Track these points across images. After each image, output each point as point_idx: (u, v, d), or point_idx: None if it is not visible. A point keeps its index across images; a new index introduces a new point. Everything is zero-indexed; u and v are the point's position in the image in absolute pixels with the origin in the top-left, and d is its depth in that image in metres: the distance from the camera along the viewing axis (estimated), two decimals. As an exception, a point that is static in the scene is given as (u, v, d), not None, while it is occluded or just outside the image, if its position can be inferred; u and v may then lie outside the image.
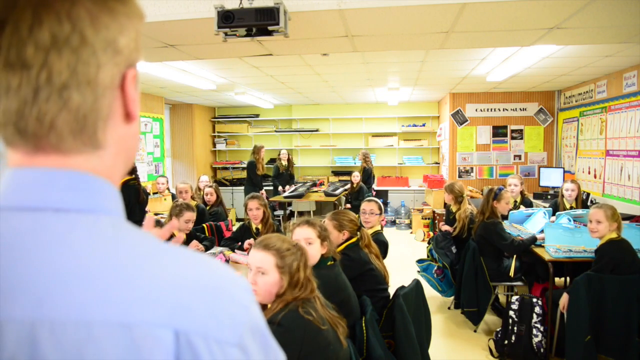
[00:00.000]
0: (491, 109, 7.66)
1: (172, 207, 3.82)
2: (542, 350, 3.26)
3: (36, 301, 0.41)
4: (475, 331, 3.89)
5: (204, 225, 4.46)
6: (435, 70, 5.50)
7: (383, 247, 3.23)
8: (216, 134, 9.87)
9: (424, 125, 9.22)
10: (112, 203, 0.50)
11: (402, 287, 2.50)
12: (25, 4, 0.43)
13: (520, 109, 7.58)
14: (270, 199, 7.15)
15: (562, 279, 4.06)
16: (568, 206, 4.56)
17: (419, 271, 4.39)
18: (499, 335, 3.42)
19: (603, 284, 2.93)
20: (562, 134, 7.21)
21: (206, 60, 4.61)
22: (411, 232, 7.98)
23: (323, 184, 8.74)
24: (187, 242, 3.74)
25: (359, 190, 7.25)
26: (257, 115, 9.73)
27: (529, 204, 5.00)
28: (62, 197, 0.47)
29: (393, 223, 8.46)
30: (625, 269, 2.92)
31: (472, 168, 7.75)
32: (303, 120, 9.68)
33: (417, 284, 2.60)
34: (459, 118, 7.72)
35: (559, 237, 3.67)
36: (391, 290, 2.60)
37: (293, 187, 7.77)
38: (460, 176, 7.69)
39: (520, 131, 7.61)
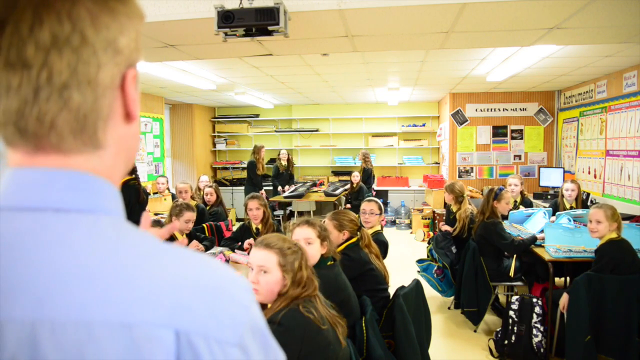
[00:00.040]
0: (491, 109, 7.66)
1: (172, 207, 3.82)
2: (542, 350, 3.26)
3: (36, 301, 0.41)
4: (475, 331, 3.89)
5: (204, 225, 4.46)
6: (435, 70, 5.50)
7: (383, 247, 3.23)
8: (216, 134, 9.87)
9: (424, 125, 9.22)
10: (112, 203, 0.50)
11: (402, 287, 2.50)
12: (25, 3, 0.43)
13: (520, 109, 7.58)
14: (270, 199, 7.15)
15: (562, 279, 4.06)
16: (568, 206, 4.56)
17: (419, 271, 4.39)
18: (499, 335, 3.42)
19: (603, 284, 2.93)
20: (562, 134, 7.21)
21: (206, 60, 4.61)
22: (411, 232, 7.98)
23: (323, 184, 8.75)
24: (187, 242, 3.74)
25: (359, 190, 7.25)
26: (257, 115, 9.73)
27: (529, 204, 5.00)
28: (62, 197, 0.47)
29: (393, 223, 8.46)
30: (625, 269, 2.92)
31: (472, 168, 7.75)
32: (303, 120, 9.68)
33: (417, 284, 2.60)
34: (459, 118, 7.72)
35: (559, 237, 3.67)
36: (391, 290, 2.60)
37: (293, 187, 7.77)
38: (460, 176, 7.69)
39: (520, 131, 7.61)
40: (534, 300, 3.37)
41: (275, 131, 9.71)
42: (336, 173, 9.36)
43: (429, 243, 4.74)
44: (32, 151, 0.47)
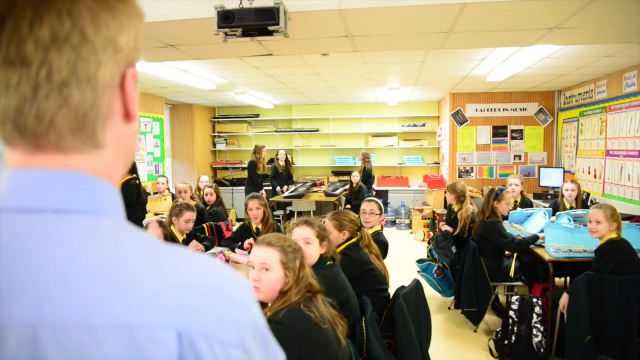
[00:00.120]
0: (491, 109, 7.66)
1: (172, 207, 3.82)
2: (542, 350, 3.26)
3: (37, 303, 0.41)
4: (475, 331, 3.89)
5: (204, 225, 4.46)
6: (435, 70, 5.50)
7: (383, 247, 3.23)
8: (216, 134, 9.87)
9: (424, 125, 9.22)
10: (112, 203, 0.50)
11: (402, 287, 2.50)
12: (25, 1, 0.43)
13: (520, 109, 7.58)
14: (270, 199, 7.16)
15: (562, 279, 4.06)
16: (568, 206, 4.56)
17: (419, 271, 4.39)
18: (499, 335, 3.42)
19: (603, 284, 2.93)
20: (562, 134, 7.21)
21: (206, 60, 4.61)
22: (411, 232, 7.98)
23: (323, 184, 8.75)
24: (187, 242, 3.74)
25: (358, 190, 7.25)
26: (257, 115, 9.73)
27: (528, 204, 5.00)
28: (62, 198, 0.47)
29: (393, 223, 8.46)
30: (625, 269, 2.92)
31: (472, 168, 7.75)
32: (303, 120, 9.68)
33: (417, 284, 2.60)
34: (459, 118, 7.72)
35: (559, 237, 3.67)
36: (391, 290, 2.60)
37: (293, 187, 7.77)
38: (460, 176, 7.69)
39: (520, 131, 7.61)
40: (534, 300, 3.37)
41: (275, 131, 9.71)
42: (336, 173, 9.36)
43: (429, 243, 4.74)
44: (32, 150, 0.47)
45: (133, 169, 4.85)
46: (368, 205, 3.48)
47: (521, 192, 5.01)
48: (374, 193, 8.09)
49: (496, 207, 3.90)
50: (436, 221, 7.30)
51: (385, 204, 8.55)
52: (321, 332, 1.63)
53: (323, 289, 1.78)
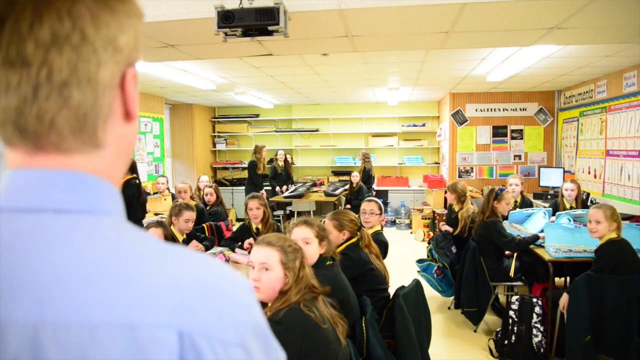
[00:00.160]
0: (491, 109, 7.66)
1: (172, 208, 3.83)
2: (542, 350, 3.26)
3: (38, 303, 0.41)
4: (475, 331, 3.89)
5: (204, 225, 4.46)
6: (435, 70, 5.50)
7: (383, 247, 3.23)
8: (216, 134, 9.87)
9: (424, 125, 9.22)
10: (113, 204, 0.50)
11: (402, 287, 2.50)
12: (25, 1, 0.43)
13: (520, 109, 7.58)
14: (270, 199, 7.16)
15: (562, 279, 4.06)
16: (568, 206, 4.56)
17: (419, 271, 4.39)
18: (499, 335, 3.42)
19: (603, 284, 2.93)
20: (562, 134, 7.21)
21: (206, 60, 4.61)
22: (411, 232, 7.98)
23: (323, 184, 8.75)
24: (187, 242, 3.74)
25: (358, 190, 7.25)
26: (257, 115, 9.73)
27: (528, 204, 5.00)
28: (63, 198, 0.47)
29: (393, 223, 8.46)
30: (625, 269, 2.92)
31: (472, 168, 7.75)
32: (303, 120, 9.68)
33: (417, 284, 2.60)
34: (459, 118, 7.72)
35: (559, 237, 3.67)
36: (391, 290, 2.60)
37: (293, 187, 7.77)
38: (460, 176, 7.69)
39: (520, 131, 7.61)
40: (534, 300, 3.37)
41: (275, 131, 9.71)
42: (336, 173, 9.36)
43: (429, 243, 4.74)
44: (32, 150, 0.47)
45: (133, 169, 4.85)
46: (368, 205, 3.48)
47: (521, 192, 5.01)
48: (374, 193, 8.08)
49: (496, 207, 3.90)
50: (436, 221, 7.30)
51: (385, 204, 8.55)
52: (321, 332, 1.63)
53: (328, 288, 1.78)
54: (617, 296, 2.90)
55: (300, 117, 9.61)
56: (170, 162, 8.92)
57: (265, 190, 7.44)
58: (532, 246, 3.74)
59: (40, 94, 0.44)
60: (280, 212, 7.92)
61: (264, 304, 1.74)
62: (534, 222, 4.27)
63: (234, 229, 4.29)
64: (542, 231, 3.88)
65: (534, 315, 3.32)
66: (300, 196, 7.22)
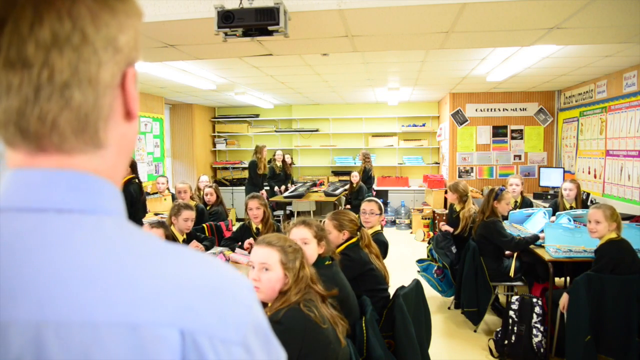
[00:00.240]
0: (491, 109, 7.66)
1: (171, 208, 3.84)
2: (542, 350, 3.26)
3: (40, 303, 0.41)
4: (475, 331, 3.89)
5: (204, 225, 4.46)
6: (435, 70, 5.50)
7: (383, 247, 3.23)
8: (216, 134, 9.87)
9: (424, 125, 9.22)
10: (114, 203, 0.50)
11: (402, 287, 2.50)
12: (25, 2, 0.43)
13: (520, 109, 7.58)
14: (269, 199, 7.16)
15: (562, 279, 4.06)
16: (568, 206, 4.56)
17: (419, 271, 4.39)
18: (499, 335, 3.42)
19: (603, 284, 2.93)
20: (562, 134, 7.21)
21: (206, 60, 4.61)
22: (411, 232, 7.98)
23: (323, 184, 8.75)
24: (187, 242, 3.75)
25: (358, 190, 7.25)
26: (257, 115, 9.73)
27: (529, 204, 5.00)
28: (65, 197, 0.47)
29: (393, 223, 8.46)
30: (625, 269, 2.92)
31: (472, 168, 7.75)
32: (303, 120, 9.68)
33: (417, 284, 2.60)
34: (459, 118, 7.72)
35: (559, 237, 3.67)
36: (391, 290, 2.60)
37: (293, 187, 7.77)
38: (460, 176, 7.69)
39: (520, 131, 7.61)
40: (534, 300, 3.37)
41: (275, 131, 9.71)
42: (336, 173, 9.36)
43: (429, 243, 4.74)
44: (34, 151, 0.47)
45: (133, 169, 4.85)
46: (368, 205, 3.48)
47: (521, 192, 5.02)
48: (374, 193, 8.08)
49: (496, 207, 3.90)
50: (436, 221, 7.30)
51: (385, 204, 8.55)
52: (321, 332, 1.63)
53: (335, 291, 1.78)
54: (617, 296, 2.90)
55: (300, 117, 9.61)
56: (170, 162, 8.92)
57: (266, 190, 7.44)
58: (532, 246, 3.74)
59: (42, 95, 0.44)
60: (280, 212, 7.92)
61: (264, 304, 1.74)
62: (534, 222, 4.27)
63: (234, 229, 4.29)
64: (542, 231, 3.88)
65: (534, 315, 3.32)
66: (300, 196, 7.22)
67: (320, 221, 2.45)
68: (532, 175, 7.54)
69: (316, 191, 7.94)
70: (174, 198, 5.99)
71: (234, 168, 9.77)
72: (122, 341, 0.41)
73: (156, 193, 6.36)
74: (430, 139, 9.22)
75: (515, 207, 4.78)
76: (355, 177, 7.30)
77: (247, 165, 7.98)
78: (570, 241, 3.62)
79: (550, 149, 7.54)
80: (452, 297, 4.38)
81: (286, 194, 7.47)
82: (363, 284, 2.57)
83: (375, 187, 8.46)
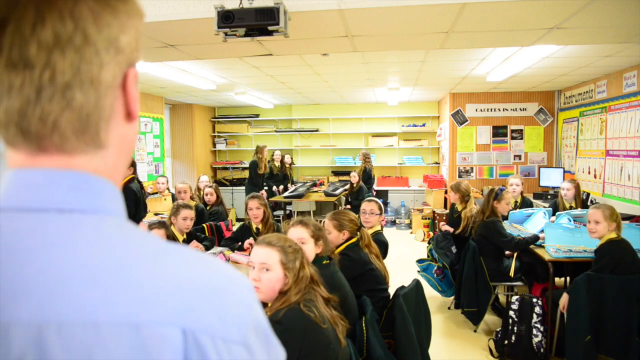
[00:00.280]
0: (491, 109, 7.66)
1: (171, 209, 3.86)
2: (542, 350, 3.26)
3: (42, 302, 0.41)
4: (475, 331, 3.89)
5: (204, 225, 4.46)
6: (435, 70, 5.50)
7: (383, 247, 3.23)
8: (216, 134, 9.87)
9: (424, 125, 9.22)
10: (114, 203, 0.50)
11: (402, 287, 2.50)
12: (27, 2, 0.43)
13: (520, 109, 7.58)
14: (269, 199, 7.16)
15: (562, 279, 4.06)
16: (567, 206, 4.57)
17: (419, 271, 4.39)
18: (499, 335, 3.42)
19: (603, 284, 2.93)
20: (562, 134, 7.21)
21: (206, 60, 4.61)
22: (411, 232, 7.98)
23: (323, 184, 8.75)
24: (187, 242, 3.75)
25: (358, 190, 7.25)
26: (257, 115, 9.73)
27: (529, 204, 5.00)
28: (66, 197, 0.47)
29: (393, 223, 8.46)
30: (625, 269, 2.92)
31: (472, 168, 7.75)
32: (303, 120, 9.68)
33: (417, 284, 2.60)
34: (459, 118, 7.72)
35: (559, 237, 3.67)
36: (391, 290, 2.60)
37: (293, 187, 7.77)
38: (460, 176, 7.69)
39: (520, 131, 7.62)
40: (534, 300, 3.37)
41: (275, 131, 9.71)
42: (336, 173, 9.36)
43: (429, 243, 4.74)
44: (35, 151, 0.47)
45: (133, 168, 4.85)
46: (368, 205, 3.48)
47: (521, 192, 5.02)
48: (374, 193, 8.08)
49: (496, 207, 3.90)
50: (436, 221, 7.30)
51: (385, 204, 8.55)
52: (321, 332, 1.63)
53: (336, 297, 1.79)
54: (617, 296, 2.90)
55: (300, 117, 9.61)
56: (170, 162, 8.92)
57: (265, 190, 7.44)
58: (532, 246, 3.75)
59: (43, 96, 0.44)
60: (280, 212, 7.92)
61: (264, 304, 1.74)
62: (534, 222, 4.28)
63: (234, 229, 4.29)
64: (542, 231, 3.88)
65: (534, 315, 3.33)
66: (300, 196, 7.22)
67: (320, 221, 2.45)
68: (532, 175, 7.54)
69: (316, 191, 7.94)
70: (174, 198, 5.99)
71: (234, 168, 9.77)
72: (124, 341, 0.41)
73: (156, 193, 6.36)
74: (430, 139, 9.22)
75: (515, 207, 4.78)
76: (354, 177, 7.29)
77: (247, 165, 7.98)
78: (570, 241, 3.62)
79: (550, 149, 7.54)
80: (452, 297, 4.38)
81: (286, 194, 7.47)
82: (363, 284, 2.57)
83: (375, 187, 8.47)
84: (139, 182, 4.83)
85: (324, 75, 5.81)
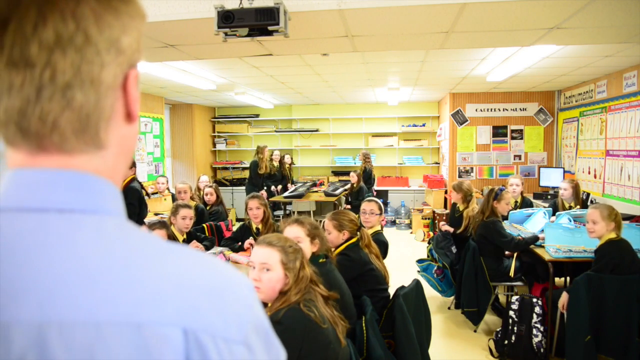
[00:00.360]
0: (491, 109, 7.66)
1: (171, 209, 3.86)
2: (542, 350, 3.26)
3: (43, 303, 0.41)
4: (475, 331, 3.89)
5: (204, 225, 4.46)
6: (435, 70, 5.50)
7: (383, 247, 3.23)
8: (216, 134, 9.87)
9: (424, 125, 9.22)
10: (115, 204, 0.50)
11: (402, 287, 2.50)
12: (29, 2, 0.43)
13: (520, 109, 7.58)
14: (269, 199, 7.16)
15: (562, 279, 4.06)
16: (567, 206, 4.57)
17: (419, 271, 4.39)
18: (499, 335, 3.42)
19: (603, 284, 2.93)
20: (562, 134, 7.21)
21: (206, 60, 4.61)
22: (411, 232, 7.98)
23: (323, 184, 8.75)
24: (187, 242, 3.75)
25: (358, 190, 7.24)
26: (257, 115, 9.73)
27: (529, 204, 5.00)
28: (66, 197, 0.47)
29: (393, 223, 8.46)
30: (625, 269, 2.92)
31: (472, 168, 7.75)
32: (303, 120, 9.68)
33: (417, 284, 2.60)
34: (459, 118, 7.72)
35: (559, 237, 3.67)
36: (391, 290, 2.61)
37: (293, 187, 7.77)
38: (460, 176, 7.69)
39: (520, 131, 7.62)
40: (534, 300, 3.37)
41: (275, 131, 9.71)
42: (336, 173, 9.36)
43: (429, 243, 4.74)
44: (34, 151, 0.47)
45: (133, 167, 4.85)
46: (368, 205, 3.48)
47: (521, 193, 5.02)
48: (375, 193, 8.08)
49: (496, 207, 3.91)
50: (436, 221, 7.30)
51: (385, 204, 8.55)
52: (321, 332, 1.63)
53: (336, 295, 1.79)
54: (617, 296, 2.91)
55: (300, 117, 9.61)
56: (170, 162, 8.92)
57: (265, 190, 7.44)
58: (532, 246, 3.74)
59: (44, 95, 0.44)
60: (280, 212, 7.92)
61: (264, 304, 1.74)
62: (534, 222, 4.28)
63: (234, 229, 4.29)
64: (542, 231, 3.89)
65: (534, 315, 3.33)
66: (300, 196, 7.22)
67: (320, 221, 2.45)
68: (532, 175, 7.54)
69: (316, 191, 7.94)
70: (174, 198, 5.99)
71: (234, 168, 9.77)
72: (125, 340, 0.41)
73: (156, 193, 6.36)
74: (430, 139, 9.22)
75: (515, 207, 4.79)
76: (353, 177, 7.28)
77: (247, 166, 7.98)
78: (570, 241, 3.62)
79: (550, 149, 7.54)
80: (452, 297, 4.38)
81: (286, 194, 7.47)
82: (363, 284, 2.57)
83: (375, 187, 8.46)
84: (139, 183, 4.83)
85: (324, 75, 5.81)
